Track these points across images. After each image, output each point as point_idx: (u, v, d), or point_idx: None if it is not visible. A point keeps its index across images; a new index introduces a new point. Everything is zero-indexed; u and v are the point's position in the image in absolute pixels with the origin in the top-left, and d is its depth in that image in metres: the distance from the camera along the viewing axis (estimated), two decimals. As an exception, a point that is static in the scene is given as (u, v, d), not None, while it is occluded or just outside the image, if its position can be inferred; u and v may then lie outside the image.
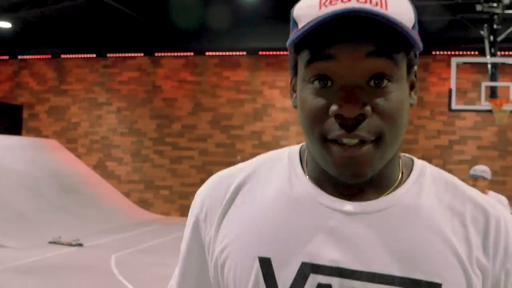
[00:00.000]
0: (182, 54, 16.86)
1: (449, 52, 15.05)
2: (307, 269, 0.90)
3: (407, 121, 0.91)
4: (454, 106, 12.07)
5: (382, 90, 0.86)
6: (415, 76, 0.96)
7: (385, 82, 0.86)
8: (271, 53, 16.20)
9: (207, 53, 16.67)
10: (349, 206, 0.92)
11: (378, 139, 0.87)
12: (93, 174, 16.80)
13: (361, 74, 0.85)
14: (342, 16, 0.83)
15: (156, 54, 17.05)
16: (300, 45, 0.89)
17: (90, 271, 7.48)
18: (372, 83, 0.86)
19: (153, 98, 17.10)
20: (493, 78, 12.26)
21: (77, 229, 11.66)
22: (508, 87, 12.29)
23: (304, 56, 0.89)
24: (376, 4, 0.84)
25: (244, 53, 16.43)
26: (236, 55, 16.55)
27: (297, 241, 0.92)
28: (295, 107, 0.95)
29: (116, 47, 17.03)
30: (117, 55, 17.33)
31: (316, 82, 0.88)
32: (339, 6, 0.83)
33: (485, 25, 12.32)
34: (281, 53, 16.10)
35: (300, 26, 0.88)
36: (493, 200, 0.98)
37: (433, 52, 15.15)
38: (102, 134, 17.32)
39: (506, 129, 15.03)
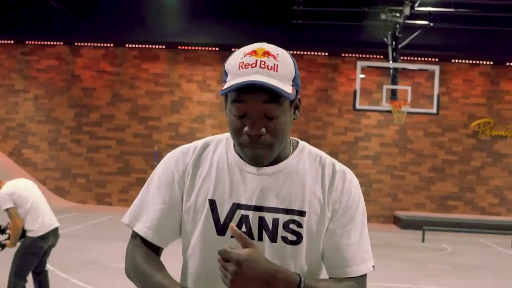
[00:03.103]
0: (102, 44, 16.94)
1: (357, 55, 15.76)
2: (235, 206, 1.56)
3: (290, 129, 1.54)
4: (358, 106, 12.96)
5: (272, 120, 1.48)
6: (299, 100, 1.57)
7: (274, 115, 1.49)
8: (189, 48, 16.53)
9: (127, 45, 16.83)
10: (258, 170, 1.57)
11: (270, 147, 1.51)
12: (8, 161, 16.76)
13: (260, 111, 1.46)
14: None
15: (76, 44, 17.05)
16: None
17: (9, 256, 7.77)
18: (266, 115, 1.48)
19: (72, 87, 17.15)
20: (394, 81, 13.16)
21: (-8, 215, 11.75)
22: (407, 90, 13.35)
23: (230, 97, 1.50)
24: (271, 68, 1.45)
25: (164, 46, 16.70)
26: (155, 48, 16.80)
27: (230, 190, 1.57)
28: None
29: (35, 34, 16.88)
30: (36, 42, 17.23)
31: (236, 112, 1.49)
32: (247, 76, 1.43)
33: (389, 32, 13.30)
34: (199, 48, 16.47)
35: (229, 76, 1.48)
36: (340, 164, 1.66)
37: (343, 54, 15.92)
38: (18, 121, 17.25)
39: (406, 128, 16.01)
